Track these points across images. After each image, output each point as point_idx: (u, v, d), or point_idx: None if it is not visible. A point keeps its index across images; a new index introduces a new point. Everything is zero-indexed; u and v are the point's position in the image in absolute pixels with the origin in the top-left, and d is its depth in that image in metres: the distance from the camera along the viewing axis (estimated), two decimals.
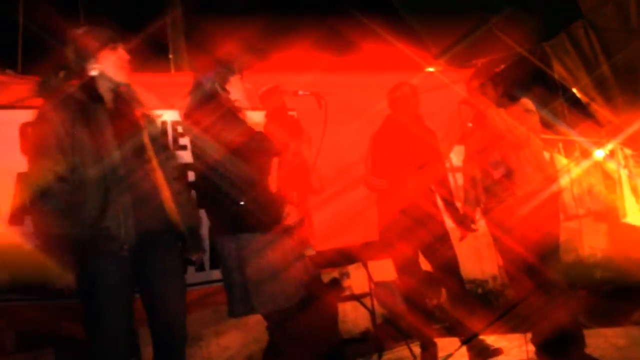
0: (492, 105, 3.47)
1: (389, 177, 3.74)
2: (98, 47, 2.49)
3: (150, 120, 2.66)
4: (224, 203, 2.67)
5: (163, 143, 2.75)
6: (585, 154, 6.60)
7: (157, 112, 3.22)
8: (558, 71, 4.80)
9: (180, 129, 3.50)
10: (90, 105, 2.44)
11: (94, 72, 2.48)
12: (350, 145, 4.23)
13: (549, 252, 3.47)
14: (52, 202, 2.34)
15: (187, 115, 2.79)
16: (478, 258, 6.19)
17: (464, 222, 3.74)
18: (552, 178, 3.63)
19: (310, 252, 2.99)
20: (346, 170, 4.24)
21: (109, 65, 2.50)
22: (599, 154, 6.52)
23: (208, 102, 2.72)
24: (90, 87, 2.48)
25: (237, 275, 2.67)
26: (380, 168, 3.75)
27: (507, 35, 4.58)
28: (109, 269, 2.37)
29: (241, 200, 2.64)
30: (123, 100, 2.55)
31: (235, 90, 2.83)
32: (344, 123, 4.19)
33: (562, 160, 6.50)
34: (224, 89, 2.79)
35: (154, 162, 2.54)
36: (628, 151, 5.76)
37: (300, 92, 3.05)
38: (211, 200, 2.74)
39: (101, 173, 2.38)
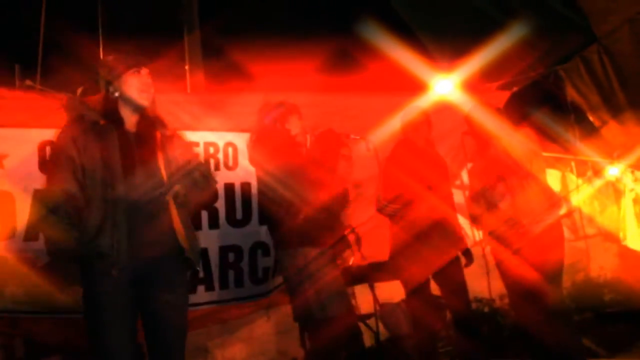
0: (495, 136, 3.60)
1: (400, 201, 3.86)
2: (122, 70, 2.63)
3: (174, 142, 2.75)
4: (284, 220, 3.17)
5: (185, 164, 2.80)
6: (598, 174, 6.66)
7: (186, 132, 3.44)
8: (571, 95, 4.88)
9: (212, 150, 3.83)
10: (107, 127, 2.56)
11: (116, 94, 2.62)
12: (360, 165, 4.36)
13: (552, 278, 3.59)
14: (60, 218, 2.45)
15: (253, 145, 3.36)
16: (486, 276, 6.29)
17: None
18: (557, 205, 3.74)
19: None
20: (355, 189, 4.37)
21: (132, 89, 2.62)
22: (613, 171, 6.59)
23: (271, 136, 3.29)
24: (111, 109, 2.61)
25: (295, 284, 3.19)
26: (392, 192, 3.87)
27: (520, 58, 4.68)
28: (106, 289, 2.47)
29: (298, 218, 3.13)
30: (145, 123, 2.66)
31: (294, 127, 3.36)
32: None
33: (574, 180, 6.57)
34: (283, 126, 3.34)
35: (167, 186, 2.62)
36: (638, 174, 5.82)
37: (352, 136, 3.59)
38: (273, 218, 3.28)
39: (105, 193, 2.49)
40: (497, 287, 6.14)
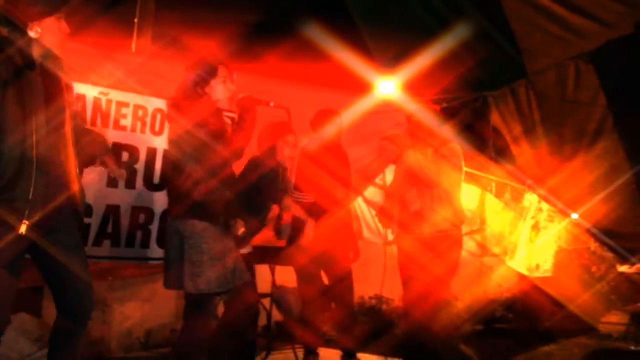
0: (411, 147, 3.98)
1: (310, 191, 4.19)
2: (45, 12, 2.57)
3: (70, 92, 2.79)
4: (183, 189, 3.09)
5: (78, 118, 2.90)
6: (515, 197, 7.22)
7: (104, 90, 3.59)
8: (495, 121, 5.32)
9: (123, 111, 3.88)
10: (23, 70, 2.49)
11: (32, 34, 2.54)
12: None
13: (445, 288, 4.03)
14: None
15: (172, 106, 3.28)
16: (391, 276, 6.74)
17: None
18: (461, 219, 4.16)
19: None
20: None
21: (49, 34, 2.59)
22: (529, 197, 7.16)
23: (191, 100, 3.17)
24: (26, 49, 2.52)
25: (177, 253, 3.13)
26: (302, 183, 4.19)
27: (448, 70, 5.03)
28: (6, 241, 2.43)
29: (199, 190, 3.07)
30: (49, 68, 2.62)
31: (216, 93, 3.27)
32: None
33: (492, 199, 7.10)
34: (204, 91, 3.23)
35: (69, 136, 2.67)
36: (545, 205, 6.37)
37: (272, 104, 3.62)
38: (174, 185, 3.19)
39: (20, 142, 2.45)
40: (399, 289, 6.65)
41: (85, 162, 2.87)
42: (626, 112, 4.90)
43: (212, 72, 3.27)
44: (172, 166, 3.19)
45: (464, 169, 4.55)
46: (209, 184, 3.10)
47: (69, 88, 2.78)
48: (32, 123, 2.49)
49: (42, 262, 2.69)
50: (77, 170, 2.74)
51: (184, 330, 3.23)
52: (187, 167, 3.10)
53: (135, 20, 5.49)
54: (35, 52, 2.58)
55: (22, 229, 2.48)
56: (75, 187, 2.70)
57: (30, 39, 2.56)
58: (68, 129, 2.68)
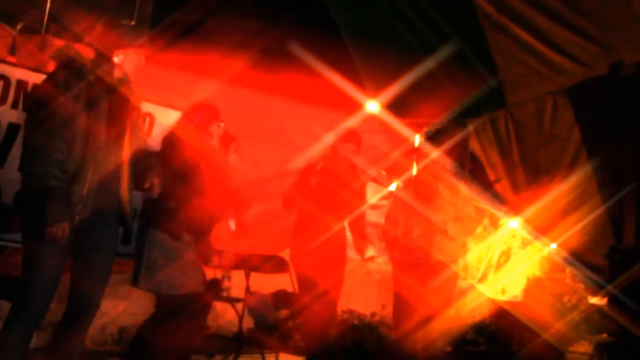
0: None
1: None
2: (129, 42, 3.09)
3: (136, 113, 3.24)
4: (157, 201, 3.34)
5: (141, 140, 3.35)
6: (494, 223, 7.49)
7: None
8: (473, 147, 5.58)
9: None
10: (101, 93, 2.96)
11: (116, 60, 3.05)
12: (268, 162, 4.92)
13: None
14: (52, 156, 2.81)
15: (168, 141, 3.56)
16: (367, 292, 6.97)
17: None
18: (451, 254, 4.40)
19: None
20: (260, 184, 4.88)
21: (129, 61, 3.09)
22: (513, 224, 7.42)
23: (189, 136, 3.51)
24: (109, 72, 3.02)
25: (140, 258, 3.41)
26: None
27: (436, 102, 5.30)
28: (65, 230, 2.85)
29: (170, 204, 3.37)
30: (121, 90, 3.09)
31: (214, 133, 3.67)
32: (266, 142, 4.86)
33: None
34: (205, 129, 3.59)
35: (126, 152, 3.11)
36: (521, 232, 6.64)
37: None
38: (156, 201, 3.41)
39: (84, 149, 2.89)
40: (373, 305, 6.88)
41: (139, 181, 3.22)
42: (599, 148, 5.20)
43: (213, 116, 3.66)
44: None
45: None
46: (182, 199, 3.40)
47: (136, 109, 3.22)
48: (96, 136, 2.93)
49: (73, 254, 3.03)
50: (130, 184, 3.15)
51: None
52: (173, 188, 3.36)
53: (133, 23, 5.71)
54: (115, 75, 3.06)
55: (74, 222, 2.89)
56: (124, 197, 3.12)
57: (114, 64, 3.05)
58: (127, 145, 3.11)
